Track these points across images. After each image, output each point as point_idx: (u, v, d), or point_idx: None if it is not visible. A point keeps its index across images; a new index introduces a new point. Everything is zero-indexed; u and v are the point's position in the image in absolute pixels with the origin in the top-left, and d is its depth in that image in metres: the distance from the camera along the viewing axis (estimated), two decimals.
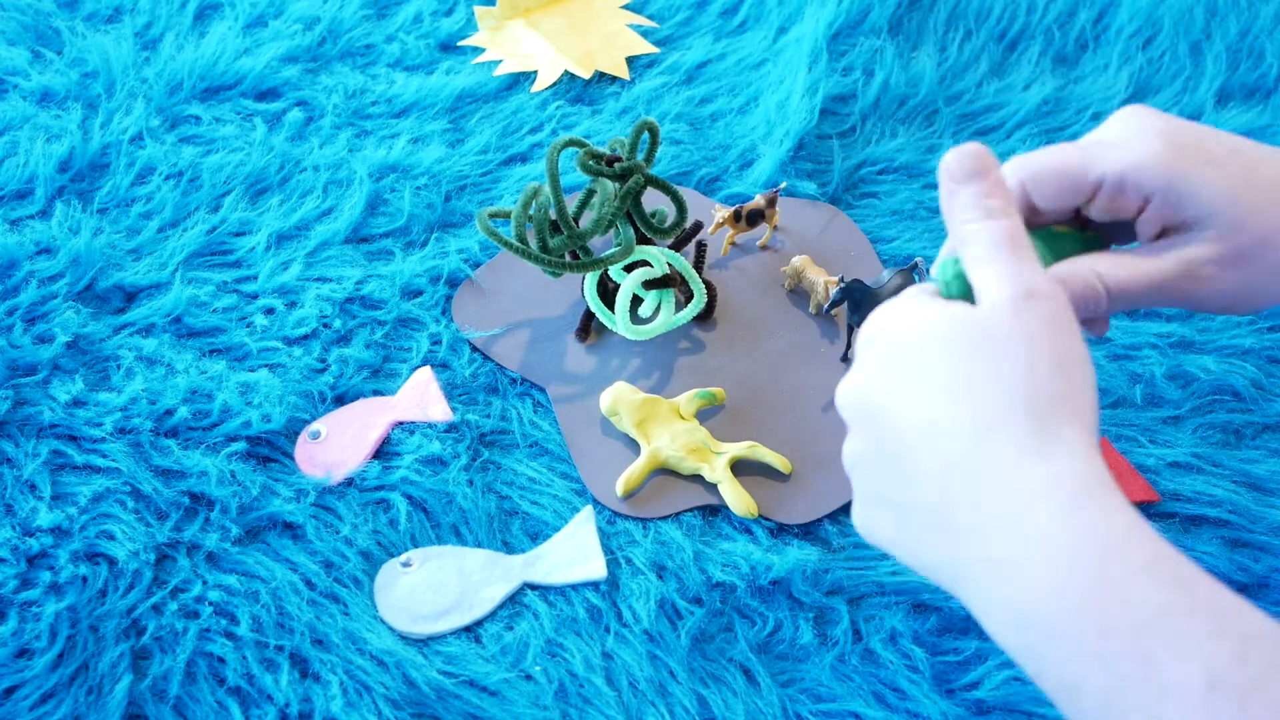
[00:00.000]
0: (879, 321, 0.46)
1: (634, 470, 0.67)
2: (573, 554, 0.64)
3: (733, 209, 0.77)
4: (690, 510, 0.67)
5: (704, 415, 0.71)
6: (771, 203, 0.78)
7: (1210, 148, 0.47)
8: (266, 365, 0.73)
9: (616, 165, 0.72)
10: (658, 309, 0.74)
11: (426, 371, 0.73)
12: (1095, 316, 0.49)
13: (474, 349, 0.75)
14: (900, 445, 0.43)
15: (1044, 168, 0.49)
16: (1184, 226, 0.48)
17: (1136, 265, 0.48)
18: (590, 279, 0.73)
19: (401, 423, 0.70)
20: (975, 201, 0.45)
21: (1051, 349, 0.42)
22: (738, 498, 0.66)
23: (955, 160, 0.45)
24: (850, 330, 0.72)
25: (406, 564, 0.64)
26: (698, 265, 0.76)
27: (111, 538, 0.64)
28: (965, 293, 0.46)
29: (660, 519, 0.66)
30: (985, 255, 0.44)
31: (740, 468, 0.68)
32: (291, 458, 0.69)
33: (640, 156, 0.74)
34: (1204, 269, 0.47)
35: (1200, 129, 0.48)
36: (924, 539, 0.43)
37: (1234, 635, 0.36)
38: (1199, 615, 0.37)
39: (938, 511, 0.42)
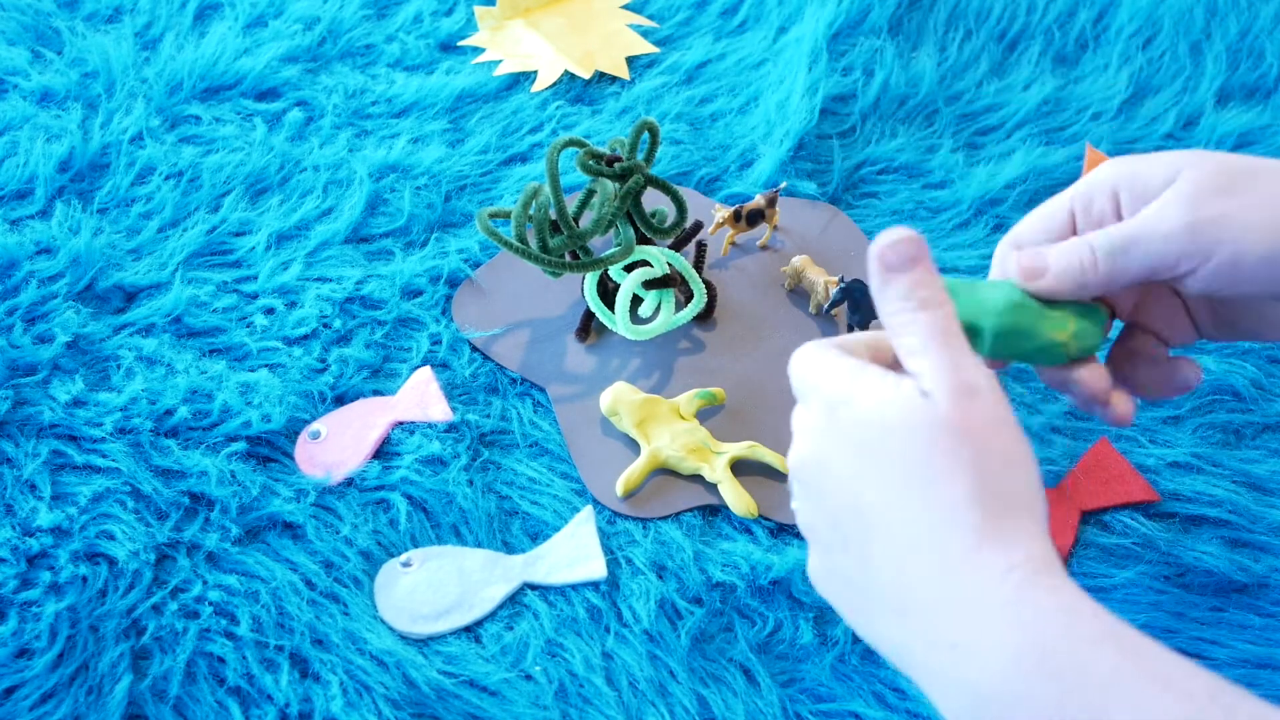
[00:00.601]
0: (837, 391, 0.45)
1: (634, 470, 0.67)
2: (573, 554, 0.64)
3: (733, 209, 0.77)
4: (690, 510, 0.67)
5: (704, 415, 0.71)
6: (771, 203, 0.78)
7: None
8: (266, 365, 0.73)
9: (616, 165, 0.72)
10: (658, 309, 0.74)
11: (426, 371, 0.73)
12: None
13: (474, 349, 0.75)
14: (858, 525, 0.44)
15: (1038, 220, 0.52)
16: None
17: (1112, 236, 0.49)
18: (590, 279, 0.73)
19: (401, 423, 0.70)
20: (907, 292, 0.45)
21: (999, 448, 0.43)
22: (738, 498, 0.66)
23: (889, 248, 0.45)
24: (850, 330, 0.72)
25: (406, 564, 0.64)
26: (698, 265, 0.76)
27: (111, 538, 0.64)
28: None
29: (660, 519, 0.66)
30: (920, 347, 0.44)
31: (740, 468, 0.68)
32: (291, 458, 0.69)
33: (640, 156, 0.74)
34: (1170, 252, 0.48)
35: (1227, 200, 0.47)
36: (878, 616, 0.44)
37: (1184, 694, 0.38)
38: (1150, 677, 0.38)
39: (894, 593, 0.43)
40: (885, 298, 0.45)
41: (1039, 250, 0.50)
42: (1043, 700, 0.39)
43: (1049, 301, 0.50)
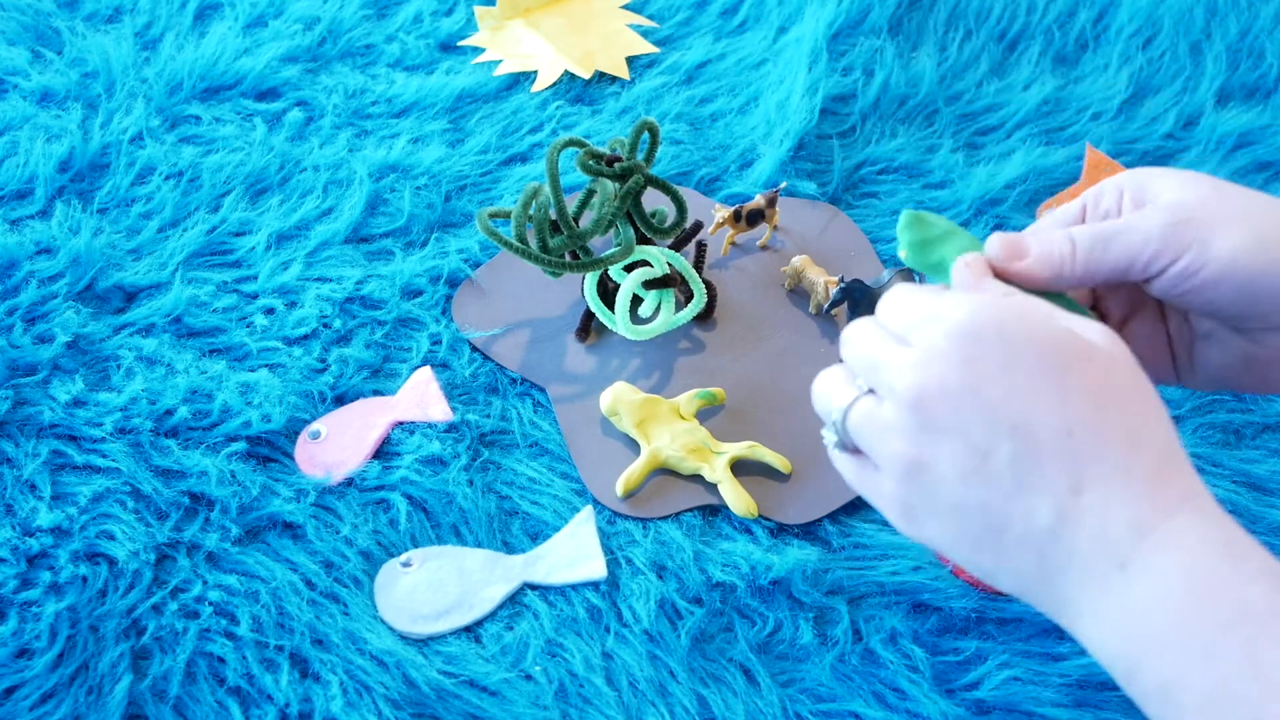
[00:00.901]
0: (975, 317, 0.44)
1: (634, 470, 0.67)
2: (573, 554, 0.64)
3: (733, 209, 0.77)
4: (690, 510, 0.67)
5: (704, 415, 0.71)
6: (771, 203, 0.78)
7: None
8: (266, 365, 0.73)
9: (616, 165, 0.72)
10: (658, 309, 0.74)
11: (426, 371, 0.73)
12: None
13: (474, 349, 0.75)
14: (1023, 449, 0.43)
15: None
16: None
17: (1090, 236, 0.50)
18: (590, 279, 0.73)
19: (401, 423, 0.70)
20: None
21: (1147, 381, 0.45)
22: (738, 498, 0.66)
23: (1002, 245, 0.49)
24: None
25: (406, 564, 0.64)
26: (698, 265, 0.76)
27: (111, 538, 0.64)
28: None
29: (660, 519, 0.66)
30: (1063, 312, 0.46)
31: (740, 468, 0.68)
32: (291, 458, 0.69)
33: (640, 156, 0.74)
34: (1147, 251, 0.49)
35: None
36: (1019, 543, 0.43)
37: None
38: None
39: (1059, 516, 0.42)
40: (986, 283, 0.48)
41: (1020, 234, 0.50)
42: (1188, 638, 0.39)
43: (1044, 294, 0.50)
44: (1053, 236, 0.49)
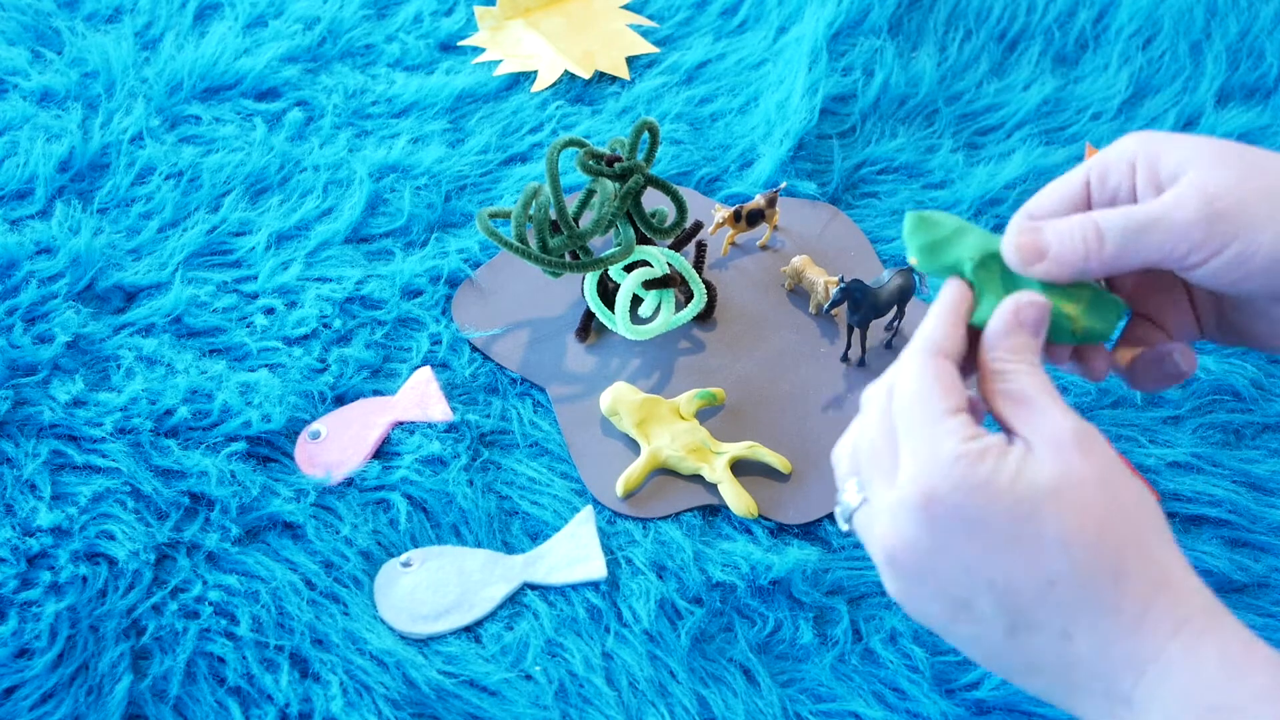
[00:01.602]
0: (940, 485, 0.43)
1: (634, 470, 0.67)
2: (573, 554, 0.64)
3: (733, 209, 0.77)
4: (690, 510, 0.67)
5: (704, 415, 0.71)
6: (771, 203, 0.78)
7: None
8: (266, 365, 0.73)
9: (616, 165, 0.72)
10: (658, 309, 0.74)
11: (426, 371, 0.73)
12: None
13: (474, 349, 0.75)
14: (1005, 601, 0.42)
15: (1051, 193, 0.49)
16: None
17: (1119, 218, 0.47)
18: (590, 279, 0.73)
19: (401, 423, 0.70)
20: (1028, 346, 0.46)
21: (1127, 482, 0.42)
22: (738, 498, 0.66)
23: (1030, 307, 0.46)
24: (850, 330, 0.72)
25: (406, 564, 0.64)
26: (698, 265, 0.76)
27: (111, 538, 0.64)
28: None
29: (660, 519, 0.66)
30: (1029, 396, 0.44)
31: (740, 468, 0.68)
32: (291, 458, 0.69)
33: (640, 156, 0.74)
34: (1175, 237, 0.46)
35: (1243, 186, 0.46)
36: (1029, 674, 0.43)
37: None
38: None
39: (1055, 659, 0.42)
40: (1003, 344, 0.46)
41: (1036, 227, 0.48)
42: None
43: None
44: (1073, 230, 0.47)
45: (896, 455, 0.44)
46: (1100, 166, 0.49)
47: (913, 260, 0.49)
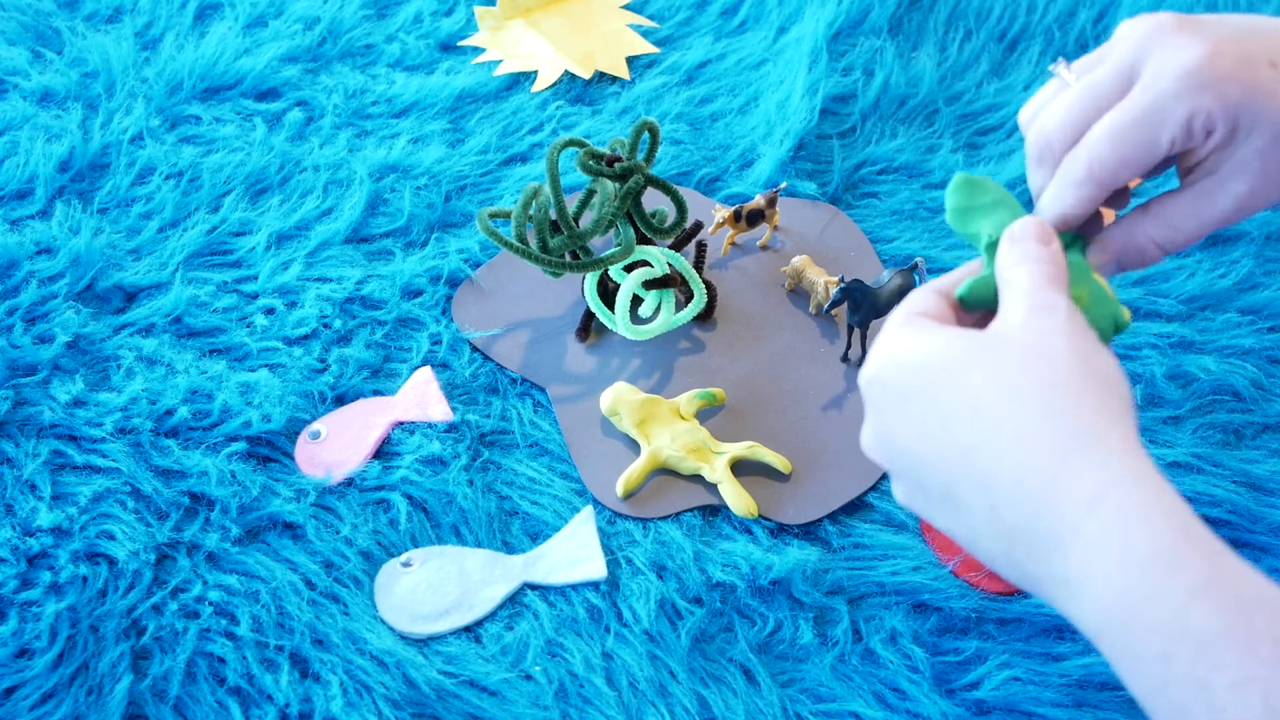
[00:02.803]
0: (879, 362, 0.46)
1: (634, 470, 0.67)
2: (573, 554, 0.64)
3: (733, 209, 0.77)
4: (690, 510, 0.67)
5: (704, 415, 0.71)
6: (771, 203, 0.78)
7: (1258, 70, 0.45)
8: (266, 365, 0.73)
9: (616, 165, 0.72)
10: (658, 309, 0.74)
11: (426, 371, 0.73)
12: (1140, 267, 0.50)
13: (474, 349, 0.75)
14: (941, 484, 0.43)
15: (1124, 163, 0.47)
16: (1224, 156, 0.47)
17: (1194, 218, 0.48)
18: (590, 279, 0.73)
19: (401, 423, 0.70)
20: (1031, 254, 0.46)
21: (1072, 348, 0.41)
22: (738, 498, 0.66)
23: (1036, 228, 0.47)
24: (850, 330, 0.72)
25: (406, 564, 0.64)
26: (698, 265, 0.76)
27: (111, 538, 0.64)
28: (985, 301, 0.48)
29: (660, 519, 0.66)
30: (1021, 287, 0.45)
31: (740, 468, 0.68)
32: (291, 458, 0.69)
33: (640, 156, 0.74)
34: (1256, 198, 0.47)
35: (1231, 43, 0.46)
36: (999, 564, 0.44)
37: None
38: (1257, 641, 0.36)
39: (999, 537, 0.42)
40: (1007, 257, 0.47)
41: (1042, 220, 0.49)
42: (1145, 661, 0.38)
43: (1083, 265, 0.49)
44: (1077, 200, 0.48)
45: None
46: (1183, 141, 0.47)
47: (947, 217, 0.51)
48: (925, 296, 0.48)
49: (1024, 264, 0.45)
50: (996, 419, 0.41)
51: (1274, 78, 0.45)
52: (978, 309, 0.49)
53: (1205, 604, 0.37)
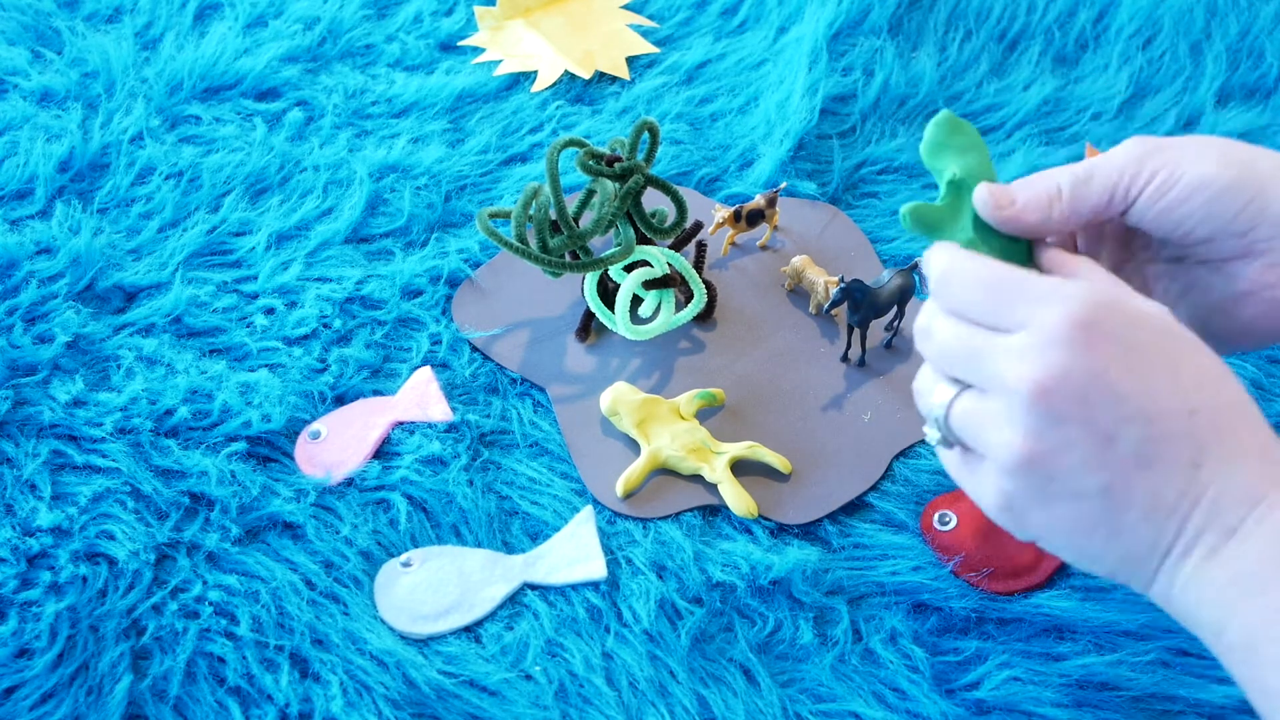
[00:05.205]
0: (1094, 305, 0.44)
1: (634, 470, 0.67)
2: (573, 554, 0.64)
3: (733, 209, 0.77)
4: (690, 510, 0.67)
5: (704, 415, 0.71)
6: (771, 203, 0.78)
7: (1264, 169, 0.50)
8: (266, 365, 0.73)
9: (616, 165, 0.72)
10: (658, 309, 0.74)
11: (426, 371, 0.73)
12: None
13: (474, 349, 0.75)
14: (1142, 436, 0.43)
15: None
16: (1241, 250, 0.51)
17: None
18: (590, 279, 0.73)
19: (401, 423, 0.70)
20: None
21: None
22: (738, 498, 0.66)
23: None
24: (850, 330, 0.72)
25: (406, 564, 0.64)
26: (698, 265, 0.76)
27: (111, 538, 0.64)
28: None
29: (660, 519, 0.66)
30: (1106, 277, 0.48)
31: (740, 468, 0.68)
32: (291, 458, 0.69)
33: (640, 156, 0.74)
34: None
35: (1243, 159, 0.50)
36: (1129, 529, 0.44)
37: None
38: None
39: (1182, 497, 0.43)
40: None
41: (1007, 185, 0.51)
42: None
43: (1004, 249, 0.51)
44: (1037, 182, 0.51)
45: (1011, 316, 0.45)
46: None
47: (921, 148, 0.52)
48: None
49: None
50: (1220, 389, 0.45)
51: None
52: (916, 230, 0.51)
53: None
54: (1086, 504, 0.44)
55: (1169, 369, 0.44)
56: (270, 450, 0.69)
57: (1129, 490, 0.44)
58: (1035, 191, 0.50)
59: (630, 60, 0.95)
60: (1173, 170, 0.49)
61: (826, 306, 0.71)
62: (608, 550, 0.65)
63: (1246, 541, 0.42)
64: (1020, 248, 0.51)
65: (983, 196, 0.50)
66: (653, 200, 0.79)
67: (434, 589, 0.63)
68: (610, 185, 0.71)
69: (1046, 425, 0.44)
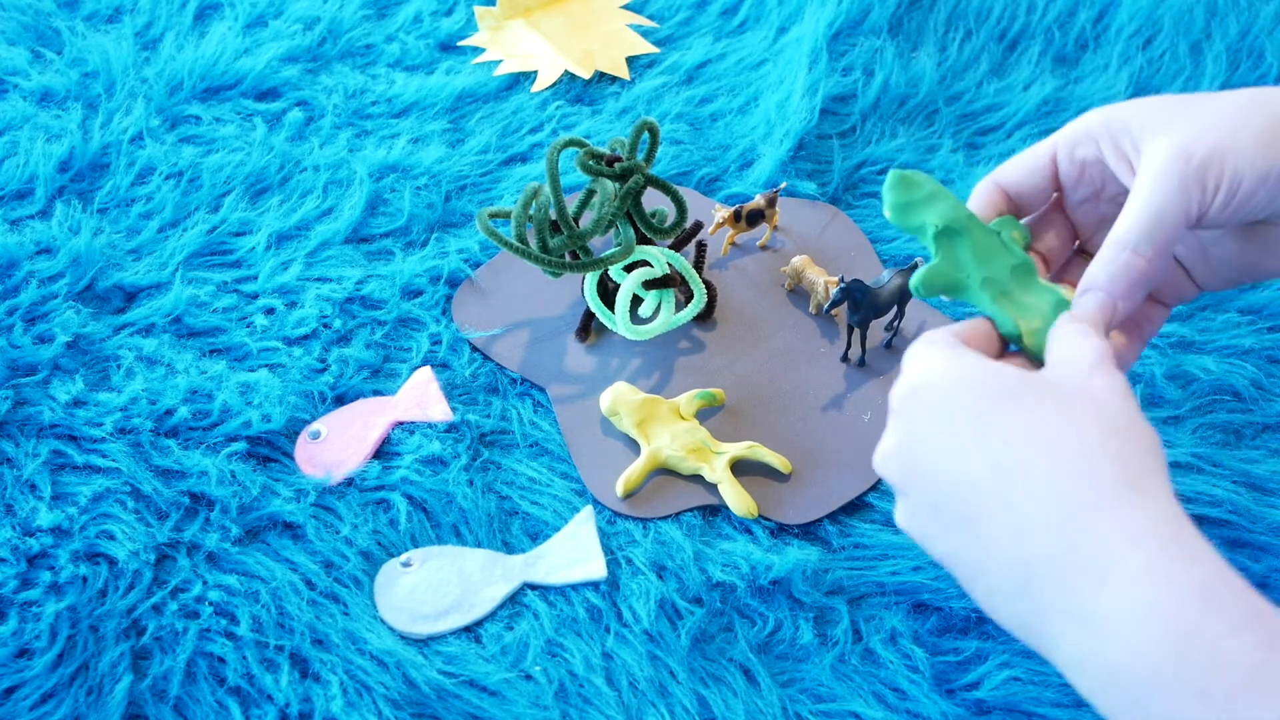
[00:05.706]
0: (923, 374, 0.45)
1: (634, 470, 0.67)
2: (573, 554, 0.64)
3: (733, 209, 0.77)
4: (690, 510, 0.67)
5: (704, 415, 0.71)
6: (771, 203, 0.78)
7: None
8: (266, 365, 0.73)
9: (616, 165, 0.72)
10: (658, 309, 0.74)
11: (426, 371, 0.73)
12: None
13: (474, 349, 0.75)
14: (961, 504, 0.43)
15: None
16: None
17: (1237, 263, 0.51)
18: (590, 279, 0.73)
19: (401, 423, 0.70)
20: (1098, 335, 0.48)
21: (1130, 409, 0.43)
22: (738, 498, 0.66)
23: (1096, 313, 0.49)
24: (850, 330, 0.72)
25: (406, 564, 0.64)
26: (698, 265, 0.76)
27: (111, 538, 0.64)
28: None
29: (660, 519, 0.66)
30: (1088, 351, 0.45)
31: (740, 468, 0.68)
32: (291, 458, 0.69)
33: (640, 156, 0.74)
34: None
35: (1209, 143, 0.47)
36: (999, 597, 0.43)
37: None
38: None
39: (1015, 566, 0.42)
40: (1074, 325, 0.48)
41: (1084, 313, 0.49)
42: (1175, 701, 0.37)
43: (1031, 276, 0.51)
44: (1110, 260, 0.48)
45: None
46: (1068, 142, 0.51)
47: (886, 213, 0.52)
48: (966, 327, 0.49)
49: (1089, 337, 0.46)
50: (1051, 447, 0.42)
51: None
52: (932, 295, 0.51)
53: (1246, 638, 0.37)
54: (951, 564, 0.46)
55: (990, 432, 0.43)
56: (270, 450, 0.69)
57: (971, 559, 0.44)
58: (1116, 271, 0.48)
59: (630, 60, 0.95)
60: (1231, 176, 0.47)
61: (826, 306, 0.71)
62: (608, 550, 0.65)
63: (1112, 629, 0.39)
64: (1027, 267, 0.51)
65: (1091, 313, 0.49)
66: (653, 200, 0.79)
67: (434, 589, 0.63)
68: (610, 185, 0.71)
69: (899, 496, 0.47)
